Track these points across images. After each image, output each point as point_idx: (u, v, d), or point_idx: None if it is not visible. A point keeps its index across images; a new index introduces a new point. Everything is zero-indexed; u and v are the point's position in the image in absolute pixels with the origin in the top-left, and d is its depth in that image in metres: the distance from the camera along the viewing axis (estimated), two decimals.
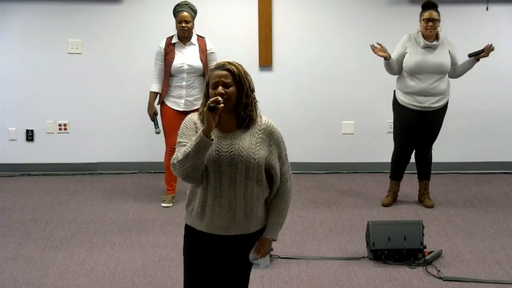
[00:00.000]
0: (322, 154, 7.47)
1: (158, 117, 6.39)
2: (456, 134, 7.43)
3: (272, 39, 7.29)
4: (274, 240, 3.48)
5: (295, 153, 7.40)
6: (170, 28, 6.44)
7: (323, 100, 7.40)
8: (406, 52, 6.12)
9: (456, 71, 6.21)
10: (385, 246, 5.13)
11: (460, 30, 7.18)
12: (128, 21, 7.27)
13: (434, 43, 6.09)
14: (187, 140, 3.27)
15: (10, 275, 4.96)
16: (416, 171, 6.49)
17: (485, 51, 6.11)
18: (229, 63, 3.31)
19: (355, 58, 7.31)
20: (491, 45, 6.11)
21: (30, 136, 7.41)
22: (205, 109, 3.16)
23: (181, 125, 3.37)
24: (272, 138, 3.36)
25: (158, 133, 6.31)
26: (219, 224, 3.32)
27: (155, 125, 6.34)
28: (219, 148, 3.26)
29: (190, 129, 3.32)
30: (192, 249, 3.42)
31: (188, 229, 3.43)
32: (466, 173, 7.36)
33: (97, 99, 7.35)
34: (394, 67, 6.15)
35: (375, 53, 6.09)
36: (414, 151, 6.36)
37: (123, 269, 5.07)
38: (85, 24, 7.25)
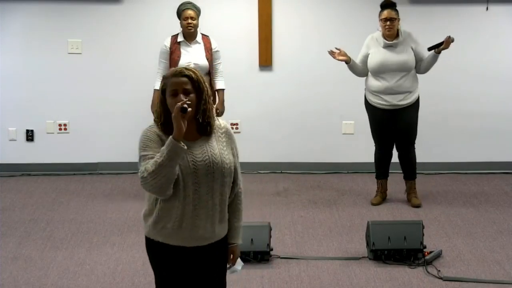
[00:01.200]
0: (322, 154, 7.47)
1: None
2: (456, 134, 7.43)
3: (272, 39, 7.29)
4: (236, 245, 3.40)
5: (295, 153, 7.44)
6: (170, 28, 6.45)
7: (323, 100, 7.41)
8: (369, 53, 6.18)
9: (422, 67, 6.18)
10: (385, 246, 5.13)
11: (460, 30, 7.17)
12: (128, 21, 7.27)
13: (395, 41, 6.12)
14: (153, 153, 3.13)
15: (10, 275, 4.96)
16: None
17: (445, 43, 6.05)
18: (186, 69, 3.19)
19: (355, 58, 7.30)
20: (449, 36, 6.04)
21: (30, 136, 7.41)
22: (174, 114, 3.04)
23: (142, 138, 3.21)
24: (231, 139, 3.31)
25: None
26: (198, 235, 3.22)
27: None
28: (194, 158, 3.17)
29: (155, 141, 3.18)
30: (165, 265, 3.28)
31: (157, 246, 3.26)
32: (466, 173, 7.36)
33: (97, 99, 7.36)
34: (357, 69, 6.25)
35: (334, 58, 6.17)
36: (397, 152, 6.38)
37: (123, 269, 5.07)
38: (85, 24, 7.25)
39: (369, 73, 6.23)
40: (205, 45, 6.28)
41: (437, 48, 6.06)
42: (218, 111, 6.20)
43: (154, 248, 3.29)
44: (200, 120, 3.19)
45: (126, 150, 7.38)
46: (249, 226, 4.88)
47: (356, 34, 7.23)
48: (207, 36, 6.35)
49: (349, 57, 6.18)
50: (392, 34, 6.11)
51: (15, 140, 7.41)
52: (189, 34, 6.25)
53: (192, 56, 6.22)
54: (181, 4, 6.29)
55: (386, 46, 6.13)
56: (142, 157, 3.16)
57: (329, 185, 7.04)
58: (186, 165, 3.15)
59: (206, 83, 3.22)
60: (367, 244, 5.26)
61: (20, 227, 5.89)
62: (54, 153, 7.41)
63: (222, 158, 3.22)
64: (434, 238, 5.59)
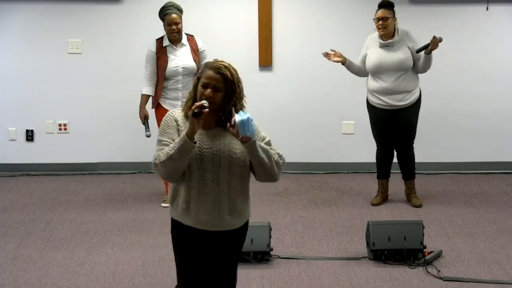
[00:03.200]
0: (322, 154, 7.47)
1: (150, 120, 6.34)
2: (456, 134, 7.42)
3: (272, 39, 7.29)
4: (251, 141, 3.25)
5: (295, 153, 7.43)
6: None
7: (323, 100, 7.41)
8: (367, 53, 6.20)
9: (420, 67, 6.16)
10: (385, 246, 5.12)
11: (460, 30, 7.18)
12: (128, 21, 7.27)
13: (390, 40, 6.11)
14: (168, 139, 3.30)
15: (10, 275, 4.96)
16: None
17: (432, 44, 5.99)
18: (225, 66, 3.29)
19: (355, 58, 7.29)
20: (434, 36, 5.99)
21: (30, 136, 7.41)
22: (189, 113, 3.19)
23: (162, 122, 3.38)
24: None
25: (148, 136, 6.25)
26: (204, 220, 3.35)
27: (146, 128, 6.30)
28: (201, 145, 3.29)
29: (171, 127, 3.34)
30: (180, 242, 3.44)
31: (175, 224, 3.45)
32: (466, 173, 7.36)
33: (97, 99, 7.35)
34: (354, 69, 6.26)
35: (329, 59, 6.16)
36: (396, 151, 6.39)
37: (123, 269, 5.07)
38: (85, 24, 7.25)
39: (369, 74, 6.23)
40: (191, 46, 6.24)
41: (426, 49, 6.04)
42: None
43: (173, 226, 3.46)
44: (221, 115, 3.29)
45: (126, 150, 7.39)
46: (249, 226, 4.85)
47: (356, 34, 7.23)
48: (192, 36, 6.30)
49: (345, 57, 6.18)
50: (386, 33, 6.10)
51: (15, 140, 7.41)
52: (174, 39, 6.21)
53: (180, 60, 6.19)
54: (163, 8, 6.16)
55: (382, 46, 6.13)
56: (158, 141, 3.34)
57: (329, 185, 7.04)
58: (193, 151, 3.25)
59: (241, 85, 3.32)
60: (367, 244, 5.26)
61: (20, 227, 5.89)
62: (54, 153, 7.41)
63: (231, 148, 3.32)
64: (434, 238, 5.59)
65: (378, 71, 6.13)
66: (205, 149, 3.29)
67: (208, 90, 3.25)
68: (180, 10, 6.18)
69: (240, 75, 3.40)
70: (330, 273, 5.00)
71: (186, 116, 3.32)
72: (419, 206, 6.31)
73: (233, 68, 3.32)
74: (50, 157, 7.41)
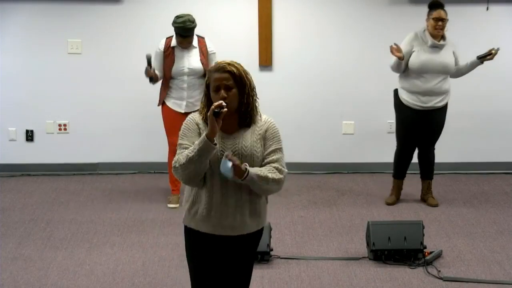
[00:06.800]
0: (322, 154, 7.47)
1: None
2: (456, 134, 7.42)
3: (272, 39, 7.29)
4: (246, 171, 3.25)
5: (295, 153, 7.42)
6: (170, 28, 6.43)
7: (323, 100, 7.40)
8: (413, 51, 6.11)
9: (458, 72, 6.22)
10: (385, 246, 5.13)
11: (460, 30, 7.17)
12: (128, 21, 7.27)
13: (441, 42, 6.10)
14: (188, 143, 3.28)
15: (10, 275, 4.96)
16: (416, 171, 6.51)
17: (491, 55, 6.13)
18: (229, 64, 3.31)
19: (355, 58, 7.31)
20: (493, 48, 6.13)
21: (30, 136, 7.41)
22: (209, 114, 3.17)
23: (182, 126, 3.37)
24: (268, 132, 3.37)
25: (148, 56, 6.13)
26: (227, 223, 3.33)
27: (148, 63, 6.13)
28: (223, 148, 3.28)
29: (192, 131, 3.32)
30: (197, 251, 3.41)
31: (191, 232, 3.40)
32: (466, 173, 7.36)
33: (97, 99, 7.35)
34: (403, 66, 6.16)
35: (392, 53, 6.08)
36: (416, 150, 6.37)
37: (123, 269, 5.07)
38: (85, 24, 7.25)
39: (409, 72, 6.12)
40: (200, 48, 6.23)
41: (486, 57, 6.10)
42: None
43: (188, 235, 3.43)
44: (244, 113, 3.30)
45: (126, 150, 7.39)
46: None
47: (356, 34, 7.25)
48: (203, 38, 6.29)
49: (403, 54, 6.06)
50: (440, 34, 6.09)
51: (15, 140, 7.40)
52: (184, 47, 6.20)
53: (187, 61, 6.19)
54: (181, 27, 6.03)
55: (433, 46, 6.08)
56: (179, 145, 3.32)
57: (329, 185, 7.04)
58: (215, 154, 3.24)
59: (249, 76, 3.32)
60: (367, 244, 5.26)
61: (20, 227, 5.89)
62: (54, 153, 7.41)
63: (252, 151, 3.32)
64: (434, 238, 5.59)
65: (424, 71, 6.07)
66: (227, 152, 3.26)
67: (222, 91, 3.25)
68: (194, 27, 6.10)
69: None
70: (330, 273, 5.00)
71: (204, 120, 3.31)
72: (435, 205, 6.32)
73: (236, 63, 3.34)
74: (50, 157, 7.40)
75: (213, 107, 3.17)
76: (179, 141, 3.33)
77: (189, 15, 6.10)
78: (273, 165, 3.35)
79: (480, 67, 6.29)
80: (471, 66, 6.21)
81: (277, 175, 3.35)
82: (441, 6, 6.11)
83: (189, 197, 3.39)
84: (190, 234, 3.41)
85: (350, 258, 5.24)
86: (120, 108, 7.33)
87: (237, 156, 3.27)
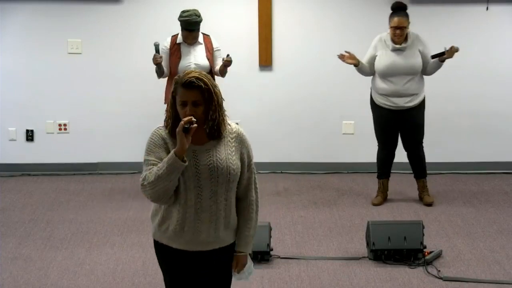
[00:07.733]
0: (322, 154, 7.46)
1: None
2: (456, 134, 7.42)
3: (272, 39, 7.29)
4: (249, 254, 3.35)
5: (295, 153, 7.43)
6: (170, 28, 6.44)
7: (323, 100, 7.40)
8: (376, 55, 6.16)
9: (427, 71, 6.19)
10: (385, 246, 5.13)
11: (460, 30, 7.18)
12: (128, 21, 7.26)
13: (403, 45, 6.10)
14: (156, 159, 3.16)
15: (10, 275, 4.96)
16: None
17: (448, 53, 6.06)
18: (197, 78, 3.11)
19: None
20: (452, 46, 6.05)
21: (30, 136, 7.41)
22: (177, 130, 3.04)
23: (148, 140, 3.23)
24: (243, 145, 3.25)
25: (156, 43, 6.13)
26: (201, 239, 3.20)
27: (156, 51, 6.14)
28: (197, 162, 3.15)
29: (159, 146, 3.19)
30: (170, 266, 3.29)
31: (162, 247, 3.27)
32: (466, 173, 7.36)
33: (97, 99, 7.35)
34: (366, 70, 6.24)
35: (343, 61, 6.15)
36: (405, 152, 6.38)
37: (123, 269, 5.07)
38: (85, 24, 7.25)
39: (376, 74, 6.21)
40: (206, 45, 6.26)
41: (441, 56, 6.06)
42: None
43: (159, 250, 3.30)
44: (210, 127, 3.15)
45: (126, 150, 7.38)
46: None
47: (356, 34, 7.24)
48: (208, 35, 6.31)
49: (358, 60, 6.15)
50: (401, 41, 6.10)
51: (15, 140, 7.40)
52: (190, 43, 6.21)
53: (193, 57, 6.20)
54: (187, 22, 6.05)
55: (395, 50, 6.11)
56: (145, 161, 3.21)
57: (329, 185, 7.04)
58: (189, 168, 3.12)
59: (217, 89, 3.16)
60: (367, 244, 5.26)
61: (20, 227, 5.89)
62: (54, 153, 7.41)
63: (228, 163, 3.18)
64: (434, 238, 5.59)
65: (388, 74, 6.11)
66: (202, 165, 3.14)
67: (188, 108, 3.10)
68: (200, 22, 6.11)
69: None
70: (330, 273, 5.00)
71: (170, 133, 3.17)
72: (431, 204, 6.32)
73: (204, 75, 3.15)
74: (50, 157, 7.41)
75: (182, 123, 3.03)
76: (145, 157, 3.20)
77: (195, 9, 6.12)
78: (250, 193, 3.27)
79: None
80: (435, 65, 6.13)
81: (256, 206, 3.30)
82: (402, 11, 6.07)
83: (158, 213, 3.25)
84: (162, 250, 3.27)
85: (350, 258, 5.24)
86: (120, 108, 7.33)
87: (213, 169, 3.15)
